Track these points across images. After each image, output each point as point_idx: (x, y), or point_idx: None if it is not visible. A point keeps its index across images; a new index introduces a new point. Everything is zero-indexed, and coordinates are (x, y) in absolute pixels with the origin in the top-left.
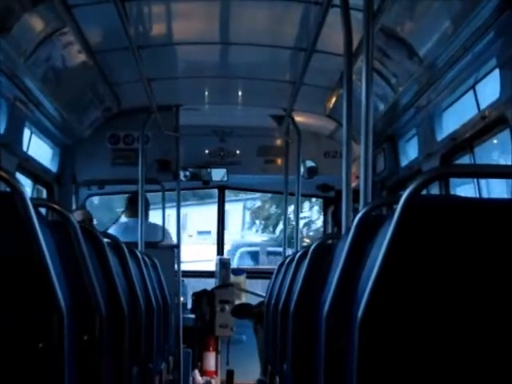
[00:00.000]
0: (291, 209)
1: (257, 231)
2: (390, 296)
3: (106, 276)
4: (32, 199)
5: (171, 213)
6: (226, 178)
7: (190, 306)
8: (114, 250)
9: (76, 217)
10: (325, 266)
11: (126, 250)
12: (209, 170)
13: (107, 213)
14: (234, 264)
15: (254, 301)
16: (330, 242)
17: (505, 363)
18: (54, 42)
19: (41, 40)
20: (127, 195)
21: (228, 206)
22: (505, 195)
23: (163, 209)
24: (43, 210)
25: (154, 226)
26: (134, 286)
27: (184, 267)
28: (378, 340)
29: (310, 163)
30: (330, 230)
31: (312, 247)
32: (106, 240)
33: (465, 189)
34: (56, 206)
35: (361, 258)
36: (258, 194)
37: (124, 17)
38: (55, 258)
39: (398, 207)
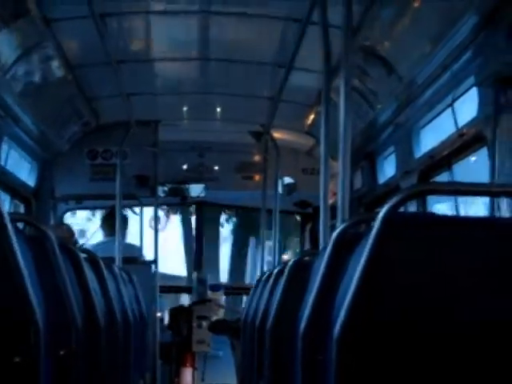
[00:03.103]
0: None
1: None
2: (367, 313)
3: (83, 291)
4: (9, 214)
5: None
6: (204, 194)
7: (167, 321)
8: (91, 264)
9: (58, 233)
10: (302, 283)
11: (103, 265)
12: (187, 185)
13: None
14: None
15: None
16: (307, 258)
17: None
18: (32, 56)
19: (20, 54)
20: (102, 214)
21: None
22: (481, 212)
23: (141, 224)
24: (21, 225)
25: (132, 245)
26: (111, 300)
27: None
28: (354, 357)
29: (288, 179)
30: (307, 247)
31: (289, 264)
32: (83, 255)
33: (441, 205)
34: (33, 221)
35: (338, 275)
36: None
37: (103, 32)
38: (32, 273)
39: (376, 224)
